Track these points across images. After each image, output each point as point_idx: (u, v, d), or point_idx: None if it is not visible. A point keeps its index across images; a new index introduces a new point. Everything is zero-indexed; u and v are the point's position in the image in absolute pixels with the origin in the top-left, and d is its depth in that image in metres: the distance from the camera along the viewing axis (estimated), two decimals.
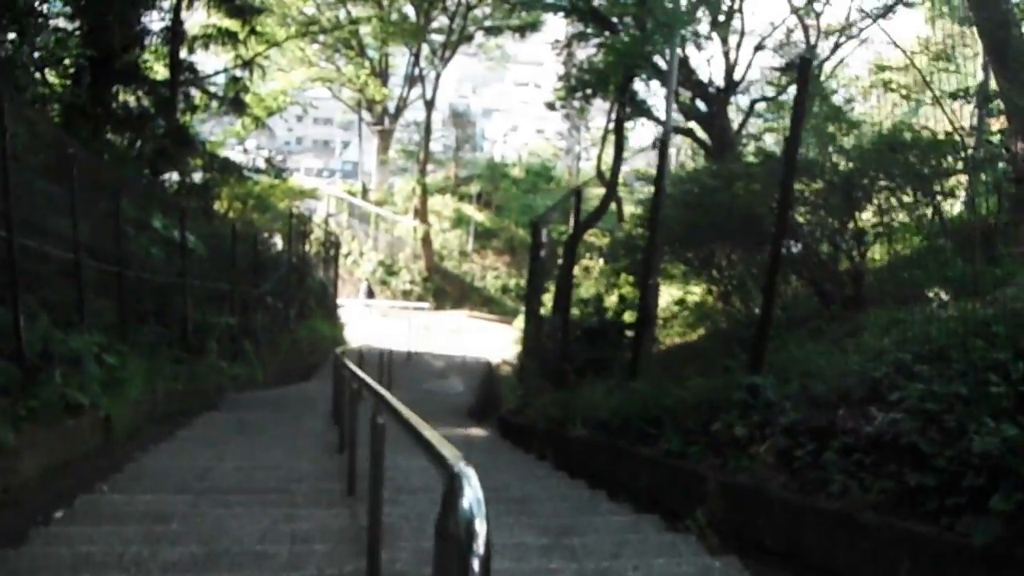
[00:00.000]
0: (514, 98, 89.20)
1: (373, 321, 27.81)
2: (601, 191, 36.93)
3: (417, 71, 33.52)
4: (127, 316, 9.86)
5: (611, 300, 13.27)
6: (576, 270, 17.47)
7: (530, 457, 8.53)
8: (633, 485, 6.52)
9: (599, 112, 45.50)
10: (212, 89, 19.03)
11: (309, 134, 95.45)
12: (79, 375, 7.35)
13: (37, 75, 13.97)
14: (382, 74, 36.40)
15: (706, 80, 19.96)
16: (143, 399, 9.47)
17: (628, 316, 11.52)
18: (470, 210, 37.98)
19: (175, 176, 16.57)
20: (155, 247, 12.05)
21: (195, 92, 18.32)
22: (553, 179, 39.62)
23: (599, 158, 30.89)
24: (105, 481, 5.98)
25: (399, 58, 39.62)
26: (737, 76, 20.08)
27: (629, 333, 10.84)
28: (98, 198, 10.03)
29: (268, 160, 19.02)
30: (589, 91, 21.45)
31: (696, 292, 14.84)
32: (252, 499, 5.52)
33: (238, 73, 18.98)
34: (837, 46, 20.59)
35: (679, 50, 14.87)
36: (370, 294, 23.08)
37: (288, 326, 16.69)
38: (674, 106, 20.79)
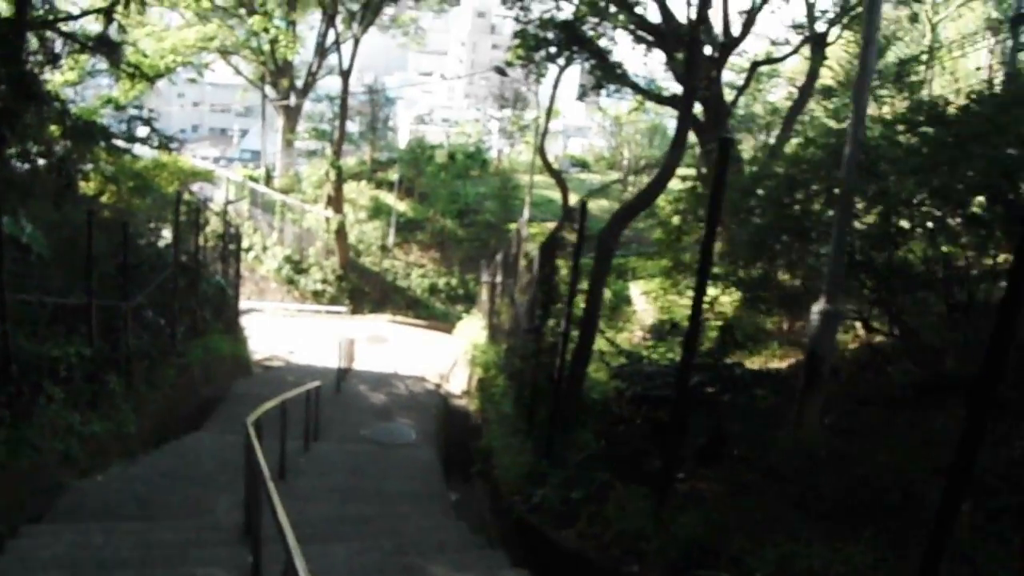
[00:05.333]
0: (417, 87, 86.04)
1: (282, 329, 23.40)
2: (540, 179, 33.39)
3: (333, 36, 29.10)
4: None
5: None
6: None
7: None
8: None
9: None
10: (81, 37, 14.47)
11: (206, 122, 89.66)
12: None
13: None
14: None
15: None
16: None
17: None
18: (390, 199, 33.53)
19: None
20: None
21: (53, 35, 13.86)
22: (487, 163, 35.47)
23: (542, 140, 27.53)
24: None
25: (307, 32, 35.11)
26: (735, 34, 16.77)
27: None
28: None
29: (147, 121, 14.38)
30: (553, 50, 18.13)
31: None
32: None
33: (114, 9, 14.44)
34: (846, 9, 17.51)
35: None
36: None
37: (174, 348, 12.35)
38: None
